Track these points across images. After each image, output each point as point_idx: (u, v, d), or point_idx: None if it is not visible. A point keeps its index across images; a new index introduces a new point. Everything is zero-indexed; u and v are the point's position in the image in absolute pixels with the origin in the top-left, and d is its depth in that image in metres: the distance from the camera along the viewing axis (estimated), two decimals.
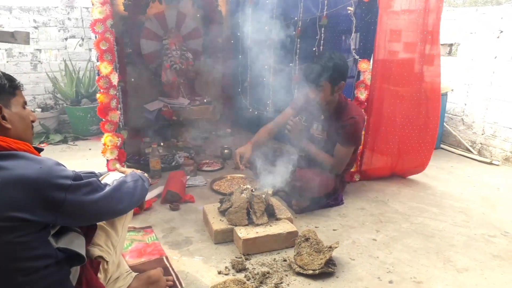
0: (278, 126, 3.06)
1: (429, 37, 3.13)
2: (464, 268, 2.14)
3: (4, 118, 1.37)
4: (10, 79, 1.43)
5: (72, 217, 1.43)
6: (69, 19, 4.67)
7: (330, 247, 2.10)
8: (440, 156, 4.02)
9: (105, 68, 2.45)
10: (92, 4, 2.39)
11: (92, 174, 1.90)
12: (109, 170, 2.68)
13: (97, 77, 2.51)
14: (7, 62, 4.56)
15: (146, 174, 1.87)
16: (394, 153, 3.36)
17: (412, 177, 3.46)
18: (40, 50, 4.67)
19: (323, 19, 3.33)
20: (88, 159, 3.89)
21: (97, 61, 2.48)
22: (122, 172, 1.92)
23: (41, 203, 1.30)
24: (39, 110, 4.58)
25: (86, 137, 4.56)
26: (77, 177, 1.40)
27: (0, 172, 1.27)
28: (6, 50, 4.49)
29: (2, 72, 1.43)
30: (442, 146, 4.31)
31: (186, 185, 3.12)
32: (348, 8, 2.98)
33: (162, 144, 4.08)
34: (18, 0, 4.50)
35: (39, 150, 1.51)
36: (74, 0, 4.79)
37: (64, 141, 4.43)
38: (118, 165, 2.45)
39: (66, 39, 4.74)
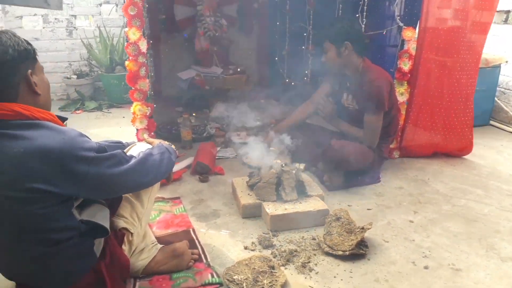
0: (315, 104, 2.94)
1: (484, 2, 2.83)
2: (509, 257, 1.96)
3: (36, 84, 1.34)
4: (29, 43, 1.37)
5: (96, 190, 1.40)
6: None
7: (363, 228, 1.98)
8: (488, 134, 3.73)
9: (134, 34, 2.37)
10: None
11: (119, 144, 1.86)
12: (138, 139, 2.66)
13: (126, 43, 2.44)
14: (43, 28, 4.59)
15: (173, 146, 1.81)
16: (438, 129, 3.13)
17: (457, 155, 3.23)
18: (75, 16, 4.66)
19: None
20: (121, 127, 3.90)
21: (126, 26, 2.40)
22: (150, 143, 1.87)
23: (63, 175, 1.27)
24: (75, 77, 4.62)
25: (120, 105, 4.58)
26: (100, 149, 1.36)
27: (23, 142, 1.23)
28: (42, 16, 4.52)
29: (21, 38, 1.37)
30: (491, 122, 4.00)
31: (216, 157, 3.06)
32: None
33: (194, 114, 4.02)
34: None
35: (63, 119, 1.46)
36: None
37: (99, 108, 4.47)
38: (146, 136, 2.40)
39: (100, 4, 4.70)
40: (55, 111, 4.36)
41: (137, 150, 1.72)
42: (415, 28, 2.87)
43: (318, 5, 3.87)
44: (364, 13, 3.14)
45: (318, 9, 3.89)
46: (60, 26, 4.63)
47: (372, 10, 3.16)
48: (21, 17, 4.48)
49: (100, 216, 1.49)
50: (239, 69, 4.61)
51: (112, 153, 1.40)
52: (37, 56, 1.39)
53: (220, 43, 4.72)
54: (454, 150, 3.20)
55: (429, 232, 2.16)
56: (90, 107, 4.43)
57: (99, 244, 1.52)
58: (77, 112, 4.35)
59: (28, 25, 4.57)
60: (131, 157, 1.50)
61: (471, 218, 2.31)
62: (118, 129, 3.82)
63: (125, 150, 1.79)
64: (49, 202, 1.29)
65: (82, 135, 1.36)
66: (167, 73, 4.61)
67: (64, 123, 1.45)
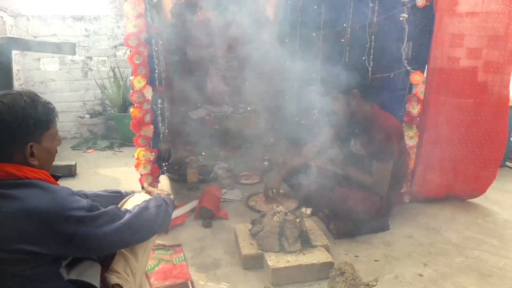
0: (320, 146, 2.91)
1: (501, 42, 2.78)
2: None
3: (32, 154, 1.33)
4: (48, 112, 1.37)
5: (86, 250, 1.37)
6: (118, 27, 4.77)
7: (367, 284, 1.88)
8: (504, 176, 3.60)
9: (139, 82, 2.40)
10: (127, 18, 2.35)
11: (117, 194, 1.85)
12: (142, 184, 2.65)
13: (131, 91, 2.48)
14: (60, 69, 4.75)
15: (172, 196, 1.79)
16: (450, 172, 3.04)
17: (470, 200, 3.11)
18: (90, 58, 4.81)
19: (373, 26, 3.08)
20: (130, 167, 3.90)
21: (131, 75, 2.44)
22: (149, 192, 1.86)
23: (52, 236, 1.25)
24: (88, 116, 4.72)
25: (132, 144, 4.61)
26: (92, 207, 1.35)
27: (13, 202, 1.23)
28: (59, 58, 4.68)
29: (44, 101, 1.38)
30: (507, 163, 3.87)
31: (222, 199, 3.02)
32: (401, 15, 2.72)
33: (203, 153, 4.02)
34: (71, 9, 4.66)
35: (57, 177, 1.46)
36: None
37: (110, 147, 4.52)
38: (146, 184, 2.38)
39: (115, 47, 4.84)
40: (66, 150, 4.49)
41: (134, 202, 1.69)
42: (423, 71, 2.84)
43: (326, 46, 3.90)
44: (371, 56, 3.14)
45: (326, 50, 3.92)
46: (76, 68, 4.78)
47: (379, 53, 3.16)
48: (39, 59, 4.66)
49: (90, 273, 1.45)
50: (249, 108, 4.64)
51: (104, 210, 1.38)
52: (52, 124, 1.39)
53: (232, 83, 4.78)
54: (467, 193, 3.09)
55: None
56: (102, 146, 4.48)
57: None
58: (89, 151, 4.41)
59: (45, 66, 4.73)
60: (126, 212, 1.48)
61: (485, 272, 2.18)
62: (127, 169, 3.83)
63: (123, 201, 1.78)
64: (37, 263, 1.26)
65: (73, 194, 1.35)
66: (179, 112, 4.66)
67: (58, 181, 1.45)
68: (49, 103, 1.41)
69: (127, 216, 1.45)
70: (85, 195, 1.69)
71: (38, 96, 1.39)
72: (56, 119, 1.44)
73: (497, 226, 2.71)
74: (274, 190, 2.93)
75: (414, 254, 2.37)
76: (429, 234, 2.61)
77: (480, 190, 3.05)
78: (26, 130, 1.30)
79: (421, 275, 2.16)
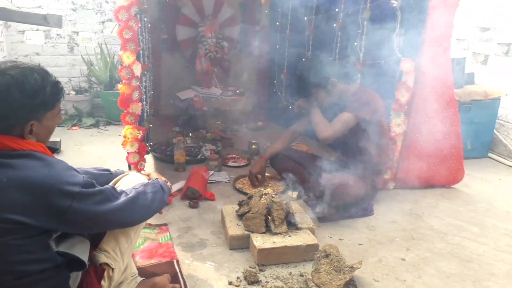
0: (300, 130, 2.94)
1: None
2: None
3: (31, 132, 1.32)
4: (56, 92, 1.36)
5: (76, 226, 1.37)
6: (106, 2, 4.65)
7: (352, 267, 1.92)
8: (486, 167, 3.67)
9: (128, 58, 2.35)
10: None
11: (105, 172, 1.81)
12: (128, 162, 2.62)
13: (119, 66, 2.42)
14: (45, 43, 4.62)
15: (169, 183, 1.76)
16: (433, 161, 3.09)
17: (453, 188, 3.17)
18: (77, 33, 4.68)
19: (366, 12, 3.07)
20: (116, 145, 3.86)
21: (120, 50, 2.39)
22: (147, 176, 1.84)
23: (44, 208, 1.24)
24: (73, 92, 4.62)
25: (118, 122, 4.55)
26: (87, 184, 1.34)
27: (7, 170, 1.22)
28: (44, 31, 4.54)
29: (54, 80, 1.36)
30: (490, 155, 3.94)
31: (209, 181, 3.01)
32: (392, 1, 2.71)
33: (190, 134, 4.00)
34: None
35: (53, 150, 1.44)
36: None
37: (96, 125, 4.45)
38: (143, 172, 2.30)
39: (103, 22, 4.73)
40: None
41: (129, 183, 1.66)
42: (413, 60, 2.84)
43: (318, 31, 3.88)
44: (363, 42, 3.14)
45: (317, 35, 3.90)
46: (61, 42, 4.65)
47: (371, 40, 3.15)
48: (23, 31, 4.51)
49: (79, 248, 1.44)
50: (238, 91, 4.61)
51: (100, 188, 1.38)
52: (58, 103, 1.38)
53: (221, 64, 4.73)
54: (446, 182, 3.16)
55: (421, 272, 2.09)
56: (87, 124, 4.41)
57: (76, 278, 1.47)
58: (74, 128, 4.34)
59: (30, 40, 4.60)
60: (121, 193, 1.47)
61: (465, 258, 2.24)
62: (113, 148, 3.78)
63: (116, 179, 1.74)
64: (26, 234, 1.25)
65: (69, 168, 1.34)
66: (166, 92, 4.61)
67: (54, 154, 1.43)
68: (58, 82, 1.39)
69: (123, 198, 1.44)
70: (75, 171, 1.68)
71: (49, 74, 1.37)
72: (62, 99, 1.42)
73: (478, 214, 2.77)
74: (259, 176, 2.93)
75: (397, 239, 2.41)
76: (412, 220, 2.66)
77: (457, 179, 3.13)
78: (31, 109, 1.29)
79: (403, 259, 2.20)
